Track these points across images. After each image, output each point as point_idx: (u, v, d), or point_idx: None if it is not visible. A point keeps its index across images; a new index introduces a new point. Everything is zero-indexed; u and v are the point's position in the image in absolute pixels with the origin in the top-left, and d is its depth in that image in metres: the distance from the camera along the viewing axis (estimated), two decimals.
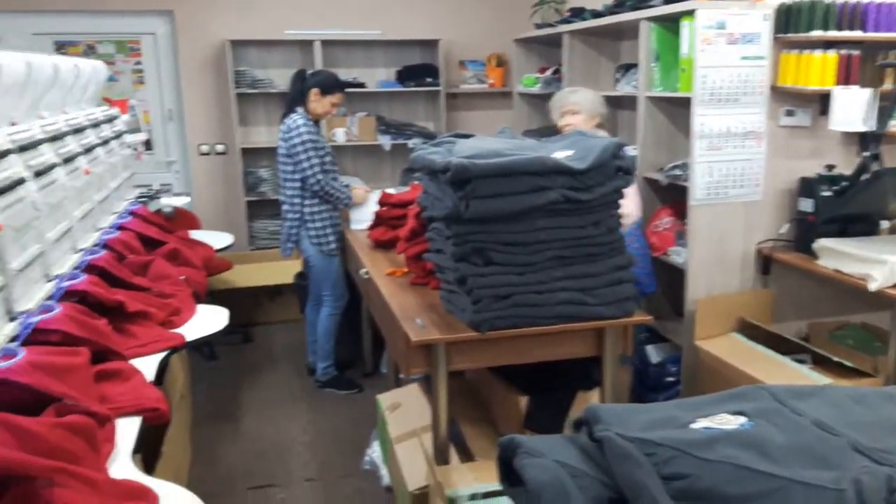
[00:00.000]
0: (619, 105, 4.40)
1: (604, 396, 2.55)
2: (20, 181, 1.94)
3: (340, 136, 5.62)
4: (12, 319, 1.77)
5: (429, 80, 5.66)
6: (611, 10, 3.82)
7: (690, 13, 3.06)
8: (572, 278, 2.28)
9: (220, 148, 5.64)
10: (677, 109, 3.50)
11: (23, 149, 2.09)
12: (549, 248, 2.23)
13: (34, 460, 1.36)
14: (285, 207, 3.90)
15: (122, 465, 1.67)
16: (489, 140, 2.37)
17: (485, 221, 2.18)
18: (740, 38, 3.01)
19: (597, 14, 3.98)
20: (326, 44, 5.47)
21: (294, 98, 3.85)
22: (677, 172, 3.29)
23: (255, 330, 4.85)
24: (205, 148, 5.63)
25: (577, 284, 2.28)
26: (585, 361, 2.57)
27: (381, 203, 3.66)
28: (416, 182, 5.05)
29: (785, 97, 3.18)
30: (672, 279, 3.57)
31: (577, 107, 3.26)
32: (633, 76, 3.77)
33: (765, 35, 3.04)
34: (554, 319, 2.28)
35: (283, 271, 4.83)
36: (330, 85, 3.85)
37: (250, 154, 5.57)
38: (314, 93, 3.81)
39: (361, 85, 5.64)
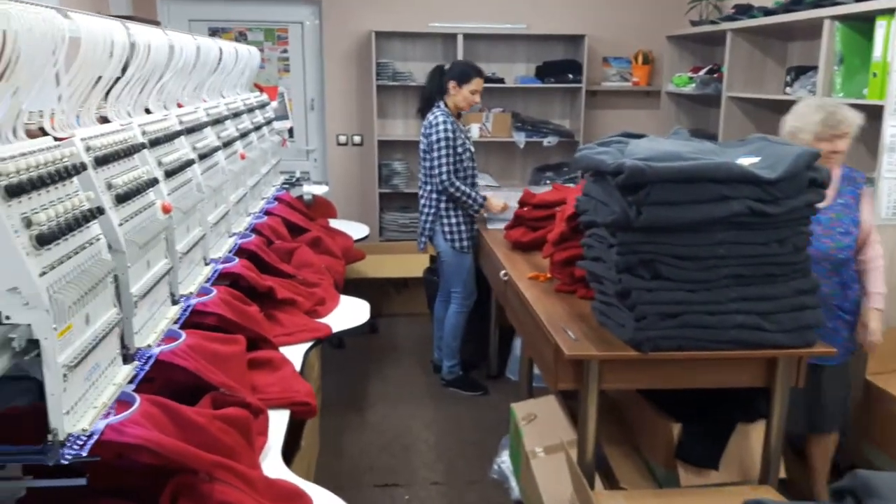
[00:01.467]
0: (784, 111, 4.04)
1: (770, 432, 2.31)
2: (189, 163, 1.94)
3: (475, 131, 5.52)
4: (175, 302, 1.77)
5: (570, 76, 5.46)
6: (786, 8, 3.50)
7: (889, 12, 2.73)
8: (750, 300, 2.05)
9: (357, 139, 5.69)
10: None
11: (190, 131, 2.10)
12: (726, 265, 2.02)
13: (199, 454, 1.32)
14: (423, 202, 3.84)
15: (273, 462, 1.62)
16: (665, 141, 2.18)
17: (656, 231, 2.00)
18: None
19: (768, 11, 3.66)
20: (469, 37, 5.39)
21: (432, 93, 3.80)
22: None
23: (380, 321, 4.84)
24: (342, 138, 5.69)
25: (754, 307, 2.06)
26: (748, 389, 2.34)
27: (522, 203, 3.52)
28: (554, 182, 4.90)
29: None
30: None
31: (849, 128, 2.48)
32: (807, 80, 3.43)
33: None
34: (726, 344, 2.06)
35: (410, 264, 4.81)
36: (465, 73, 3.76)
37: (386, 146, 5.58)
38: (452, 86, 3.75)
39: (500, 80, 5.52)
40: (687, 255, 2.01)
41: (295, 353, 2.17)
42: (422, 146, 3.80)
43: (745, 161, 2.02)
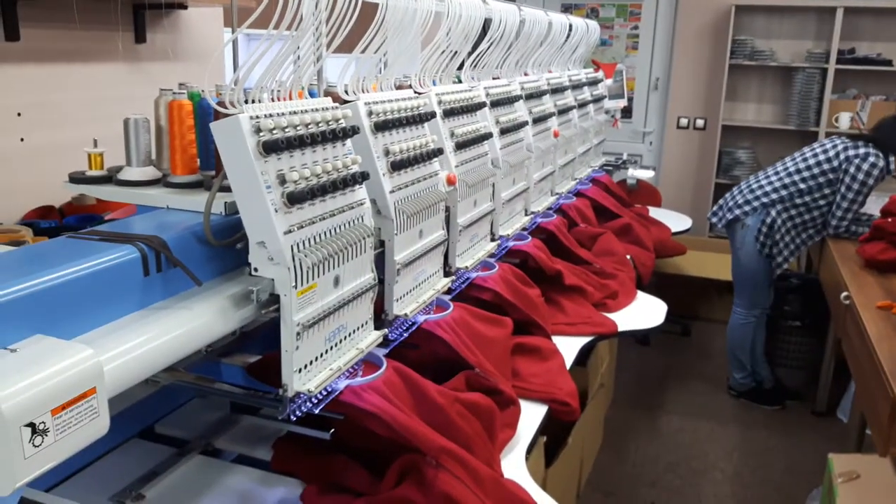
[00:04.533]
0: None
1: None
2: (486, 136, 1.90)
3: (845, 121, 4.71)
4: (448, 274, 1.75)
5: None
6: None
7: None
8: None
9: (699, 123, 5.25)
10: None
11: (495, 104, 2.06)
12: None
13: (431, 436, 1.27)
14: (759, 192, 3.36)
15: (515, 458, 1.52)
16: None
17: None
18: None
19: None
20: (851, 11, 4.57)
21: (882, 141, 3.20)
22: None
23: (695, 324, 4.43)
24: (684, 121, 5.30)
25: None
26: None
27: (886, 212, 2.88)
28: None
29: None
30: None
31: None
32: None
33: None
34: None
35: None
36: None
37: (731, 132, 5.05)
38: None
39: (887, 62, 4.61)
40: None
41: (571, 346, 2.03)
42: (812, 158, 3.29)
43: None
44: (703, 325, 4.45)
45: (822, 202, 3.23)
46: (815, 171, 3.22)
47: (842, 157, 3.17)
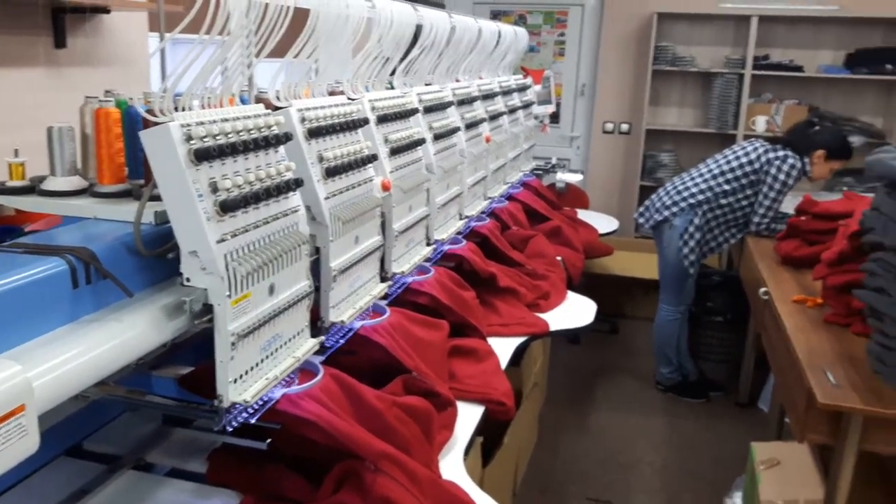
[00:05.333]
0: None
1: None
2: (419, 142, 1.92)
3: (761, 125, 4.94)
4: (384, 280, 1.76)
5: (889, 66, 4.61)
6: None
7: None
8: None
9: (624, 127, 5.41)
10: None
11: (428, 110, 2.08)
12: None
13: (370, 440, 1.28)
14: (685, 194, 3.49)
15: (453, 459, 1.54)
16: None
17: None
18: None
19: None
20: (765, 20, 4.80)
21: (796, 144, 3.38)
22: None
23: (622, 322, 4.57)
24: (609, 126, 5.45)
25: None
26: None
27: (801, 211, 3.03)
28: (848, 190, 4.20)
29: None
30: None
31: None
32: None
33: None
34: None
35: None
36: (840, 151, 3.38)
37: (654, 136, 5.23)
38: (819, 154, 3.34)
39: (798, 69, 4.86)
40: None
41: (506, 347, 2.07)
42: (734, 160, 3.44)
43: None
44: (630, 323, 4.59)
45: (744, 202, 3.39)
46: (738, 172, 3.37)
47: (763, 159, 3.33)
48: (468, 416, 1.70)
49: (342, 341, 1.55)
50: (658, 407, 3.63)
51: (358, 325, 1.60)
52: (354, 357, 1.65)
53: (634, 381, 3.88)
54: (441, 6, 5.24)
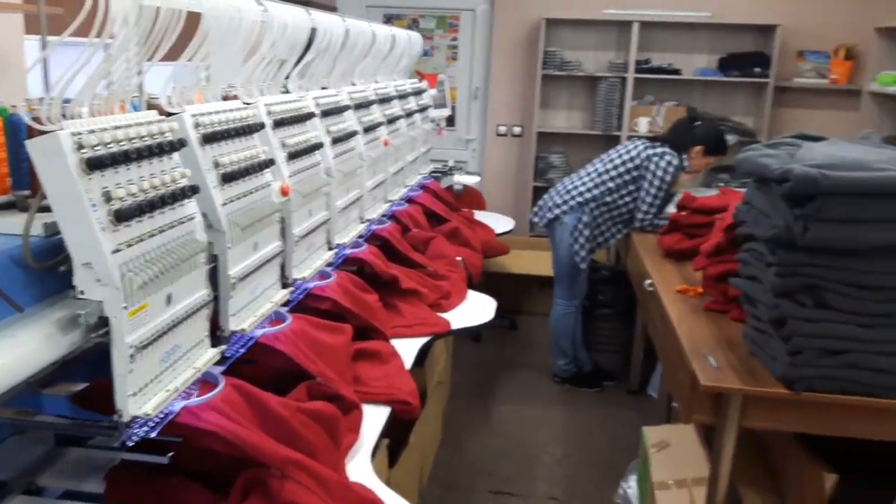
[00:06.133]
0: None
1: None
2: (318, 146, 1.92)
3: (643, 126, 5.20)
4: (286, 286, 1.74)
5: (756, 70, 4.97)
6: None
7: None
8: None
9: (516, 130, 5.56)
10: None
11: (325, 114, 2.08)
12: None
13: (274, 449, 1.27)
14: (574, 193, 3.64)
15: (360, 462, 1.55)
16: (846, 146, 1.85)
17: (825, 252, 1.70)
18: None
19: None
20: (645, 25, 5.06)
21: (676, 142, 3.56)
22: None
23: (520, 318, 4.70)
24: (502, 129, 5.59)
25: None
26: None
27: (681, 206, 3.22)
28: (724, 186, 4.50)
29: None
30: None
31: None
32: None
33: None
34: None
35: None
36: (716, 147, 3.58)
37: (545, 138, 5.41)
38: (697, 150, 3.54)
39: (676, 72, 5.15)
40: (862, 282, 1.69)
41: (410, 347, 2.09)
42: (617, 159, 3.61)
43: None
44: (528, 318, 4.73)
45: (628, 199, 3.57)
46: (622, 170, 3.55)
47: (642, 156, 3.52)
48: (374, 418, 1.71)
49: (242, 350, 1.53)
50: (556, 398, 3.76)
51: (259, 333, 1.59)
52: (255, 366, 1.63)
53: (533, 375, 4.01)
54: (332, 9, 5.21)
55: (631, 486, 2.77)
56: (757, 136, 5.11)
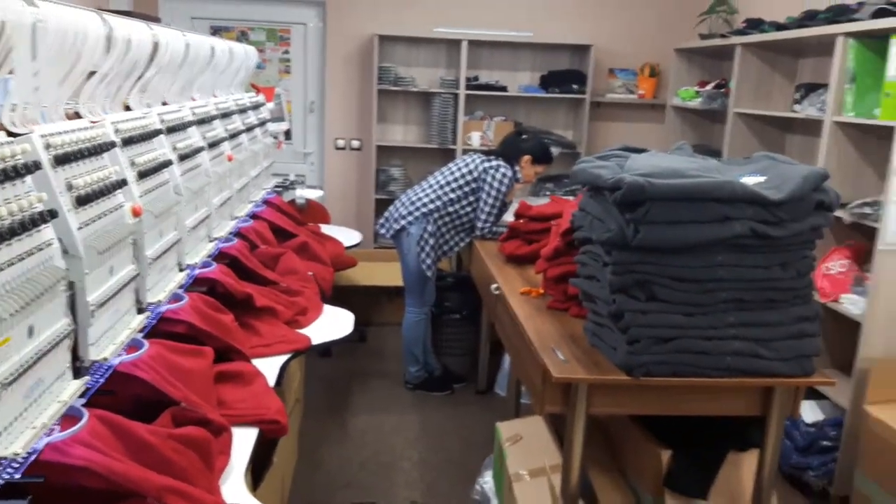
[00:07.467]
0: (791, 129, 3.98)
1: (763, 462, 2.21)
2: (166, 163, 1.86)
3: (476, 140, 5.45)
4: (141, 311, 1.68)
5: (574, 86, 5.38)
6: (798, 23, 3.41)
7: None
8: (748, 326, 1.96)
9: (355, 143, 5.61)
10: (870, 139, 3.07)
11: (171, 130, 2.02)
12: (725, 289, 1.93)
13: (147, 477, 1.23)
14: (418, 204, 3.76)
15: (234, 484, 1.53)
16: (666, 157, 2.09)
17: (654, 251, 1.90)
18: None
19: (779, 27, 3.58)
20: (473, 44, 5.31)
21: (507, 154, 3.82)
22: (866, 211, 2.87)
23: (370, 330, 4.74)
24: (341, 142, 5.61)
25: (752, 333, 1.97)
26: (740, 417, 2.24)
27: (519, 214, 3.43)
28: (553, 194, 4.83)
29: None
30: (838, 330, 3.14)
31: None
32: (817, 97, 3.35)
33: None
34: (722, 371, 1.97)
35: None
36: (543, 156, 3.87)
37: (385, 152, 5.50)
38: (526, 160, 3.79)
39: (503, 88, 5.45)
40: (685, 276, 1.92)
41: (271, 366, 2.07)
42: (458, 171, 3.78)
43: (750, 180, 1.93)
44: (377, 330, 4.78)
45: (468, 209, 3.75)
46: (461, 181, 3.72)
47: (480, 168, 3.72)
48: (242, 440, 1.69)
49: (102, 380, 1.46)
50: (409, 405, 3.84)
51: (116, 361, 1.52)
52: (113, 397, 1.56)
53: (386, 384, 4.06)
54: (156, 20, 4.98)
55: (487, 481, 2.90)
56: (577, 147, 5.52)
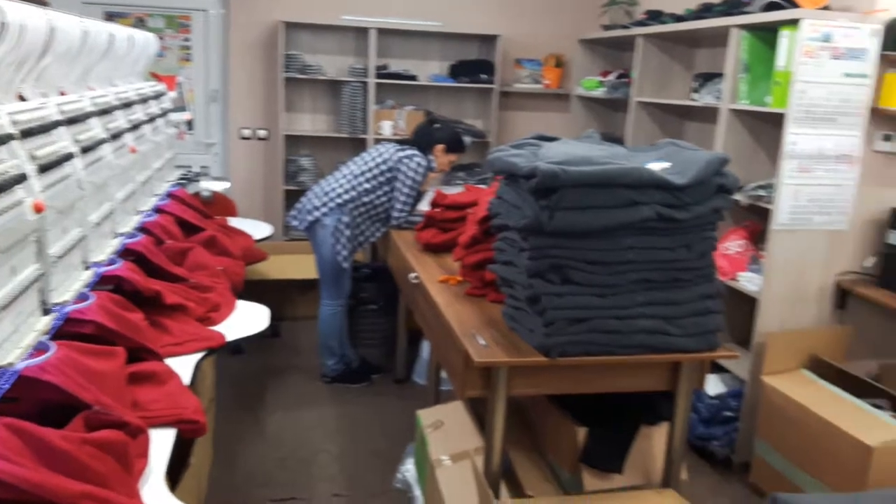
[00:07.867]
0: (690, 116, 4.17)
1: (673, 434, 2.33)
2: (68, 156, 1.76)
3: (387, 129, 5.42)
4: (47, 312, 1.59)
5: (483, 76, 5.44)
6: (696, 15, 3.58)
7: (793, 23, 2.82)
8: (656, 304, 2.05)
9: (262, 133, 5.47)
10: (762, 125, 3.26)
11: (71, 121, 1.92)
12: (634, 270, 2.01)
13: (64, 485, 1.18)
14: (332, 195, 3.71)
15: (154, 486, 1.48)
16: (578, 145, 2.15)
17: (567, 235, 1.96)
18: (845, 54, 2.75)
19: (678, 18, 3.74)
20: (382, 32, 5.27)
21: (420, 143, 3.83)
22: (760, 193, 3.05)
23: (283, 324, 4.66)
24: (246, 132, 5.46)
25: (660, 312, 2.06)
26: (650, 393, 2.35)
27: (434, 204, 3.45)
28: (466, 183, 4.88)
29: (885, 120, 2.93)
30: (737, 306, 3.33)
31: None
32: (713, 86, 3.52)
33: (871, 52, 2.79)
34: (632, 349, 2.06)
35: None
36: (456, 145, 3.90)
37: (293, 141, 5.39)
38: (440, 148, 3.82)
39: (413, 78, 5.44)
40: (596, 259, 1.99)
41: (185, 365, 2.01)
42: (374, 160, 3.76)
43: (656, 166, 2.01)
44: (291, 324, 4.70)
45: (384, 198, 3.74)
46: (376, 171, 3.71)
47: (394, 158, 3.71)
48: (159, 441, 1.64)
49: (7, 386, 1.38)
50: (327, 398, 3.81)
51: (21, 366, 1.44)
52: (18, 404, 1.47)
53: (301, 378, 4.01)
54: (45, 4, 4.68)
55: (409, 469, 2.92)
56: (486, 136, 5.59)
